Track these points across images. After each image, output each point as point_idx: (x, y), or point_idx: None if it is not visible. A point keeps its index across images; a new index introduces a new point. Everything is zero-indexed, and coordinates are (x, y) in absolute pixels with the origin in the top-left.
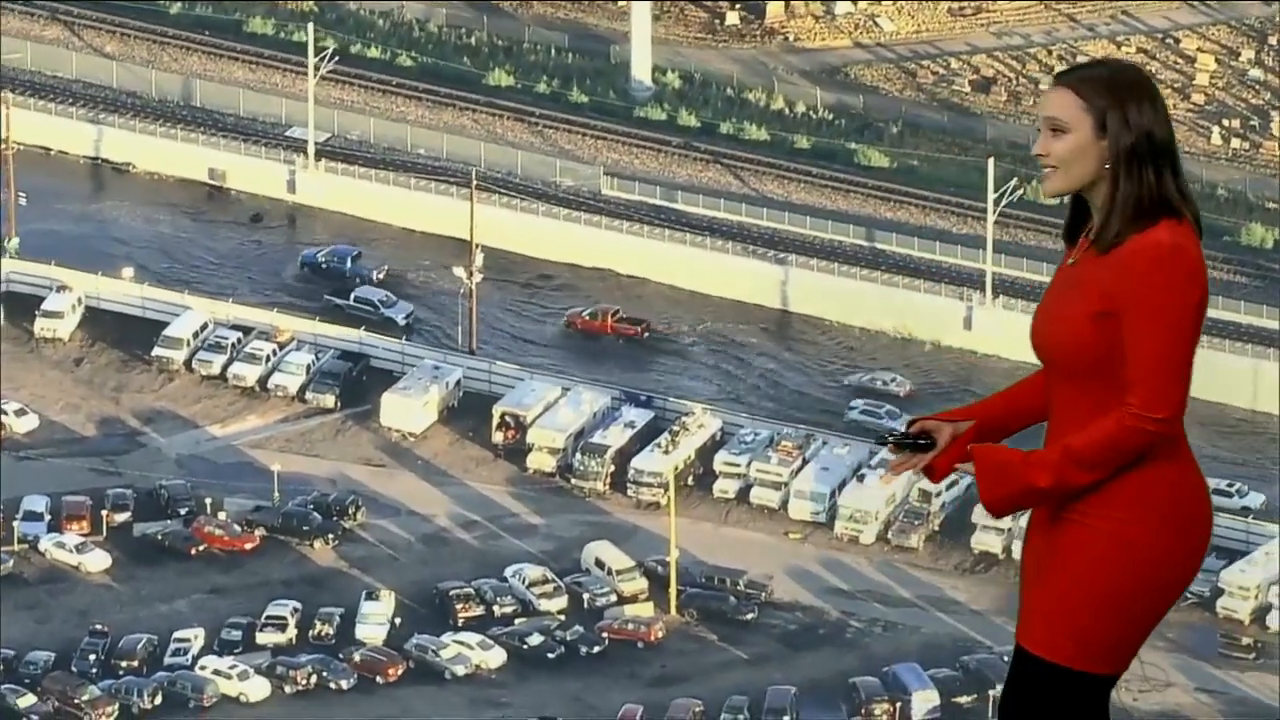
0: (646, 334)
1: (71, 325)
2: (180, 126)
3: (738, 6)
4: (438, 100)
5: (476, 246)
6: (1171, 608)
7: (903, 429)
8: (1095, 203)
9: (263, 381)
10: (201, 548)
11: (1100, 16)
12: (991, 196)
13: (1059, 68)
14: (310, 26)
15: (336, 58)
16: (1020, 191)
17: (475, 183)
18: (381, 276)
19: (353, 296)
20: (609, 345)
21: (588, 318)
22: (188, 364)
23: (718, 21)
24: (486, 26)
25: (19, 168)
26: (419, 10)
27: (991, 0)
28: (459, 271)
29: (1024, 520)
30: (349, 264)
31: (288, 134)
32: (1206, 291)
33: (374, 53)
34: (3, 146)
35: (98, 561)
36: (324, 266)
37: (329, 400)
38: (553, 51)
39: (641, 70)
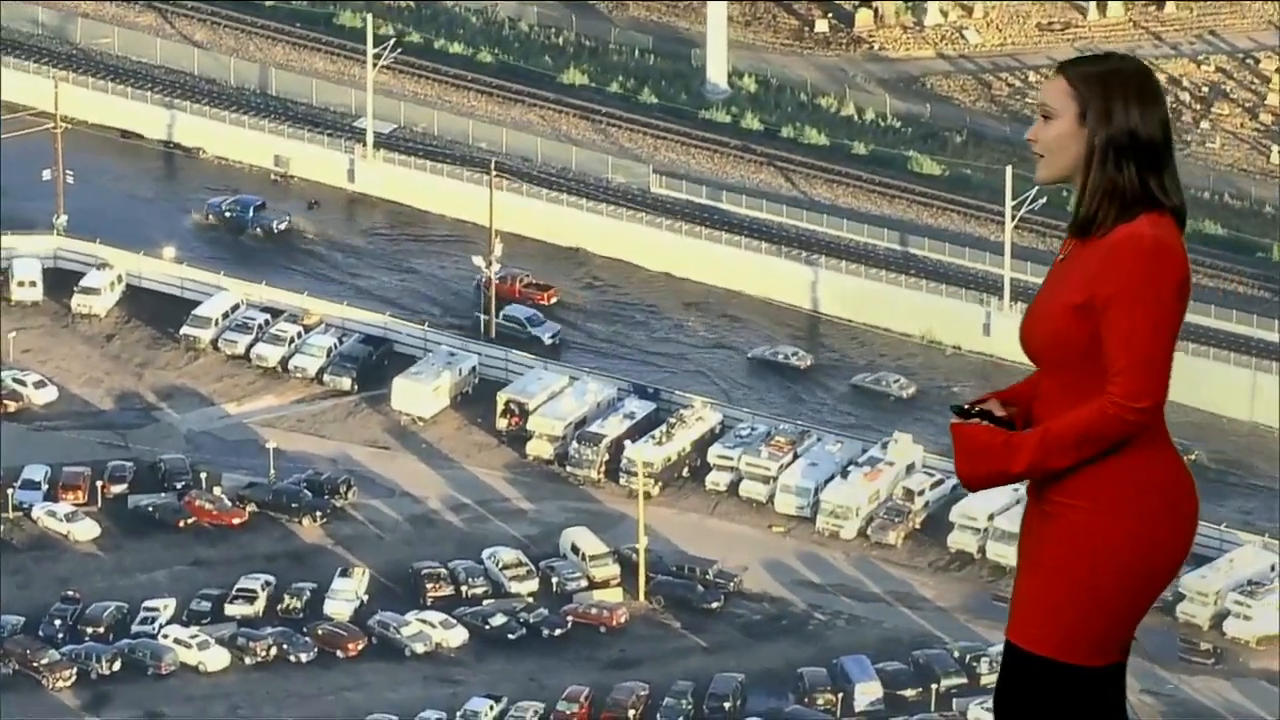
0: (554, 300)
1: (109, 302)
2: (249, 114)
3: (829, 15)
4: (508, 96)
5: (495, 236)
6: (1156, 600)
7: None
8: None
9: (284, 363)
10: (190, 521)
11: (1185, 35)
12: (1010, 203)
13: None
14: (369, 17)
15: (399, 49)
16: (1044, 199)
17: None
18: (283, 227)
19: (501, 315)
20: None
21: (498, 281)
22: (214, 343)
23: (807, 29)
24: (575, 26)
25: (93, 149)
26: (512, 9)
27: (1082, 17)
28: (477, 260)
29: (1001, 520)
30: (251, 213)
31: (355, 124)
32: (1188, 283)
33: (456, 48)
34: (52, 126)
35: (86, 531)
36: (227, 215)
37: (345, 383)
38: (636, 53)
39: (717, 73)
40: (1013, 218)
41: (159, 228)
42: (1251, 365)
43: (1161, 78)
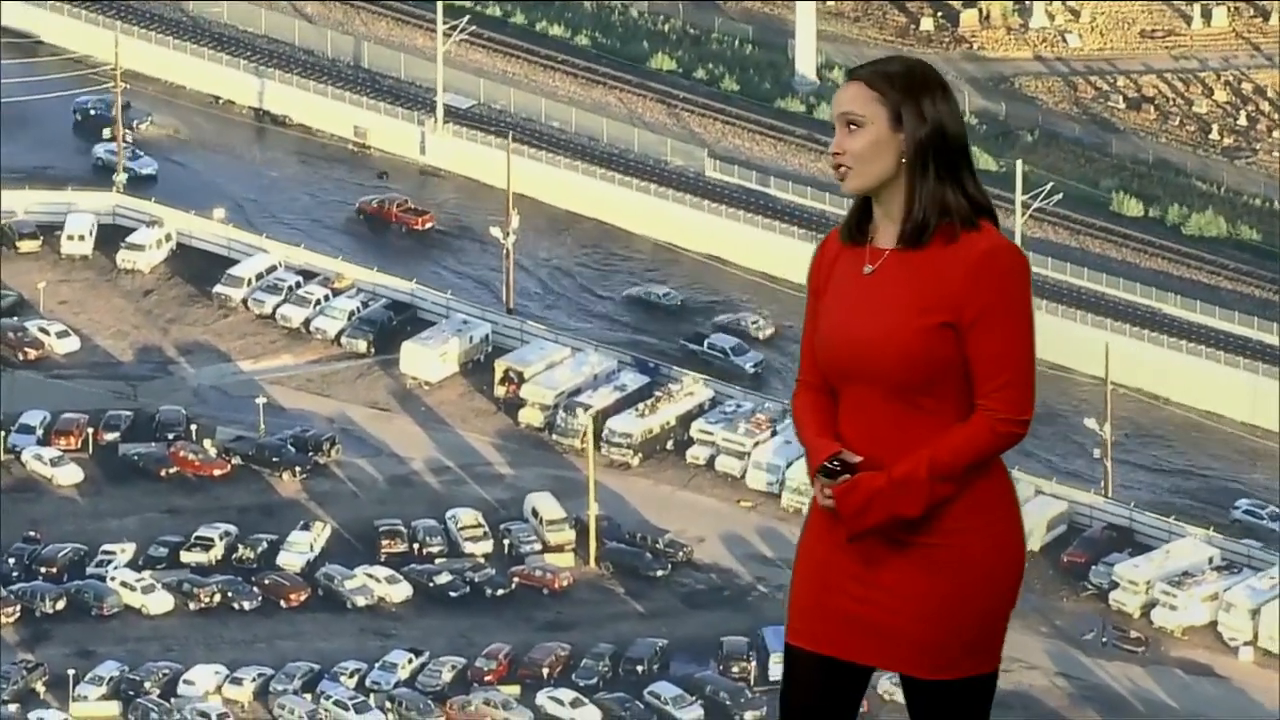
0: (429, 225)
1: (154, 259)
2: (336, 84)
3: (937, 14)
4: (592, 78)
5: (513, 208)
6: None
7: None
8: (889, 201)
9: (306, 324)
10: (173, 471)
11: None
12: (1020, 196)
13: (1223, 94)
14: None
15: (472, 25)
16: (1060, 194)
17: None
18: (144, 127)
19: (706, 344)
20: (393, 233)
21: (375, 206)
22: (245, 303)
23: (913, 26)
24: (682, 14)
25: (188, 113)
26: None
27: (1185, 25)
28: (495, 231)
29: None
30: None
31: (436, 98)
32: None
33: (556, 30)
34: (112, 85)
35: (70, 475)
36: (93, 114)
37: (361, 346)
38: (736, 42)
39: (805, 65)
40: (1024, 210)
41: (235, 189)
42: (1240, 365)
43: (1248, 87)
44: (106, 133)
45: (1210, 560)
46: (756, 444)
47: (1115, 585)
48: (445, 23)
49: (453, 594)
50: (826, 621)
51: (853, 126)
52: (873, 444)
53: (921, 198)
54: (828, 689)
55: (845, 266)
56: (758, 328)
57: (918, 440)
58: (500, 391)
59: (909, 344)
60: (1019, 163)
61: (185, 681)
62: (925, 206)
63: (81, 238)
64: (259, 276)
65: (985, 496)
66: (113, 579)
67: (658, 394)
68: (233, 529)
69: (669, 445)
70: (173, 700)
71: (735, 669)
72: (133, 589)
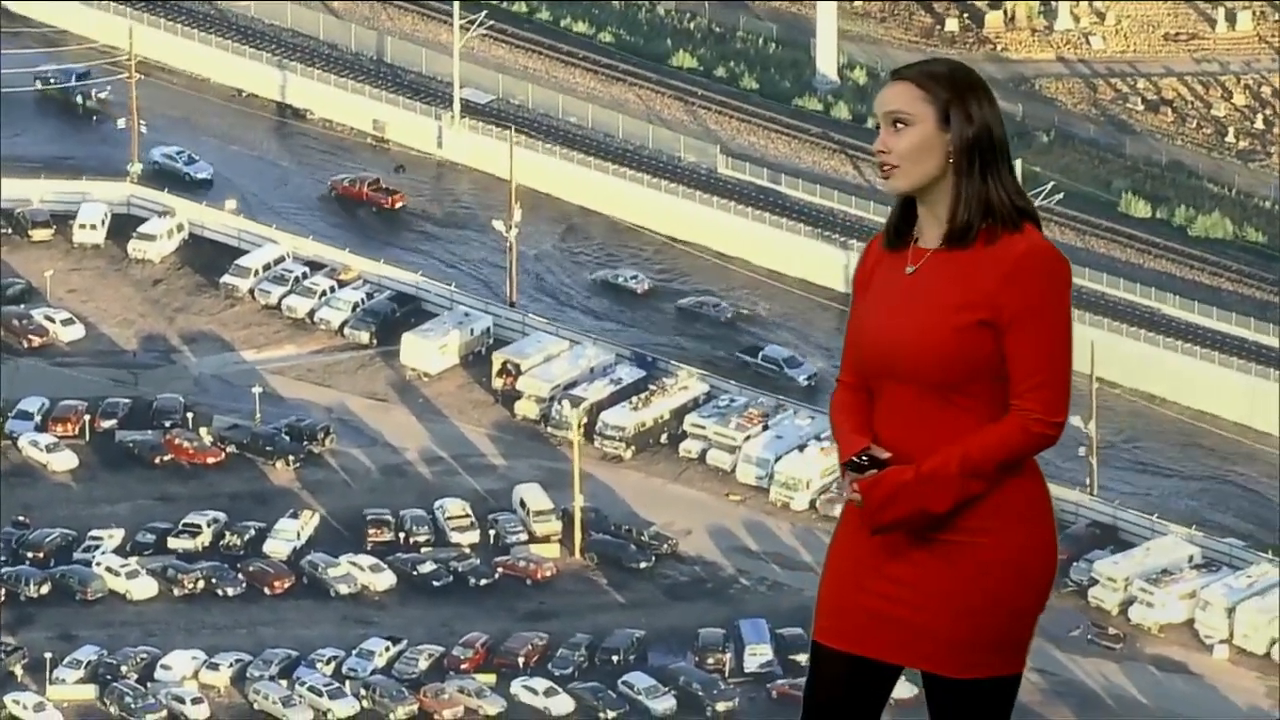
0: (400, 205)
1: (165, 249)
2: (357, 78)
3: (963, 15)
4: (612, 75)
5: (523, 202)
6: None
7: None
8: (935, 202)
9: (311, 314)
10: (167, 458)
11: None
12: None
13: (1242, 98)
14: None
15: (495, 21)
16: (1061, 194)
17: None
18: (102, 96)
19: (760, 356)
20: (363, 212)
21: (347, 184)
22: (251, 293)
23: (939, 27)
24: (708, 13)
25: (212, 105)
26: None
27: (1209, 28)
28: (498, 224)
29: None
30: (73, 80)
31: (457, 93)
32: None
33: (580, 27)
34: (127, 76)
35: (64, 461)
36: (52, 81)
37: (364, 337)
38: (760, 41)
39: (826, 65)
40: None
41: (247, 179)
42: (1234, 365)
43: (1267, 90)
44: (121, 123)
45: (1190, 558)
46: (747, 438)
47: (1094, 582)
48: (464, 18)
49: (436, 583)
50: (853, 619)
51: (899, 125)
52: (907, 441)
53: (967, 198)
54: (852, 687)
55: (887, 269)
56: (718, 311)
57: (951, 438)
58: (498, 384)
59: (947, 341)
60: (1019, 161)
61: (163, 666)
62: (970, 206)
63: (94, 227)
64: (266, 267)
65: (1015, 499)
66: (98, 564)
67: (651, 387)
68: (221, 516)
69: (662, 439)
70: (149, 684)
71: (711, 660)
72: (117, 574)
